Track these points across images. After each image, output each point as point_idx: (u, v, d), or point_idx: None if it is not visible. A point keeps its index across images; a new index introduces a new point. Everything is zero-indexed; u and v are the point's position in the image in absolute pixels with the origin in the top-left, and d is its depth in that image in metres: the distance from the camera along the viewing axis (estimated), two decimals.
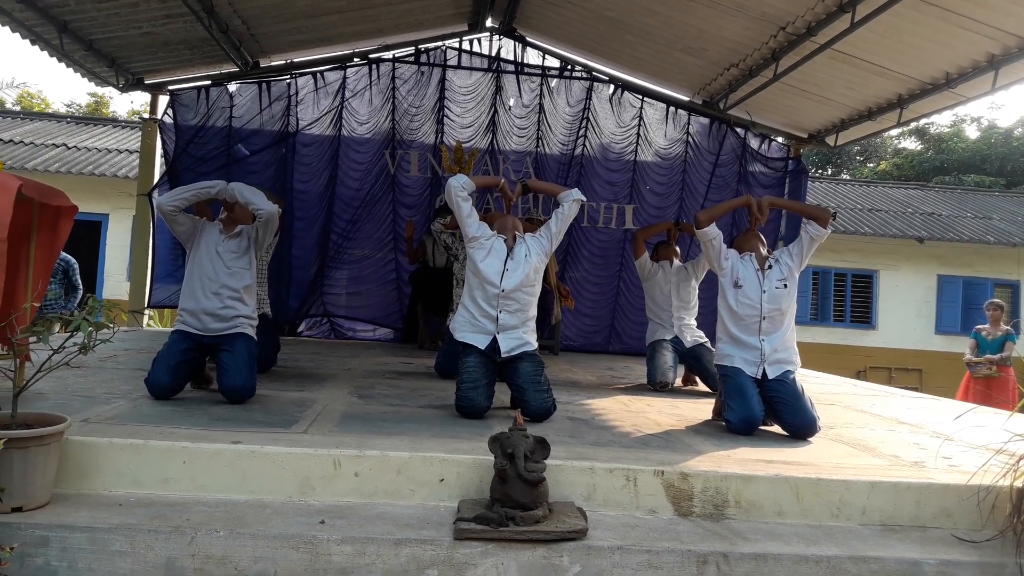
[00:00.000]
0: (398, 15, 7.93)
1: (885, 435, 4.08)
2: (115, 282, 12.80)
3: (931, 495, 2.91)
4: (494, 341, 3.92)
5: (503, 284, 3.92)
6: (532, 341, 4.02)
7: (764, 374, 3.94)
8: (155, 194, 8.00)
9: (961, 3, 5.48)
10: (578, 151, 8.69)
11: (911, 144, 28.25)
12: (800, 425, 3.79)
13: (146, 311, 8.12)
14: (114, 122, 17.75)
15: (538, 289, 4.09)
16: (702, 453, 3.22)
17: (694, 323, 5.73)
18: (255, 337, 4.02)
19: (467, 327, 3.99)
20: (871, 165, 29.05)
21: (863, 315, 15.31)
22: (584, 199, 4.22)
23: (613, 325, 8.72)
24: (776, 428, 3.95)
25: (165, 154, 8.08)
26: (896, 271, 15.31)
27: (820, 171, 26.37)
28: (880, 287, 15.35)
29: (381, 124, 8.52)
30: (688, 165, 8.77)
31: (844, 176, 26.66)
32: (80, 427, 2.86)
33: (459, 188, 4.03)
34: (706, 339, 5.62)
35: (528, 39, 8.71)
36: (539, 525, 2.49)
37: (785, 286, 4.02)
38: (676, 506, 2.82)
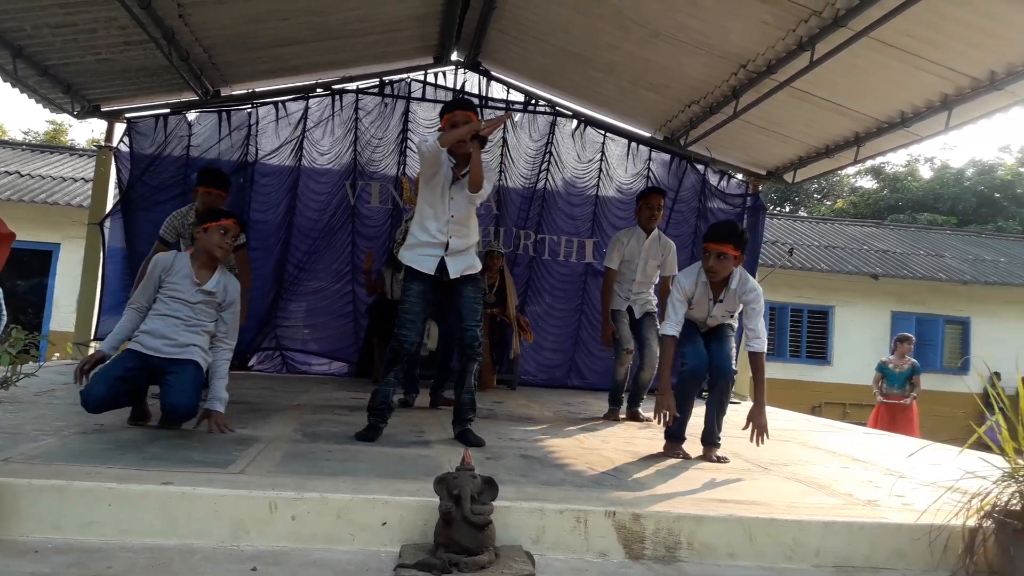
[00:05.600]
0: (363, 47, 7.90)
1: (839, 472, 4.05)
2: (65, 312, 12.45)
3: (885, 535, 2.86)
4: (442, 263, 4.06)
5: (451, 210, 4.07)
6: (476, 263, 4.24)
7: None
8: (107, 224, 7.82)
9: (916, 44, 5.58)
10: (540, 185, 8.70)
11: (867, 183, 28.94)
12: (720, 367, 4.21)
13: (92, 343, 7.88)
14: (71, 150, 17.46)
15: (475, 215, 4.25)
16: (655, 492, 3.15)
17: (650, 292, 5.97)
18: (204, 370, 3.92)
19: (416, 251, 4.11)
20: (828, 203, 29.67)
21: (819, 350, 15.49)
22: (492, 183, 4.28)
23: (574, 359, 8.64)
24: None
25: (119, 183, 7.90)
26: (852, 307, 15.54)
27: (778, 208, 26.86)
28: (836, 323, 15.57)
29: (343, 155, 8.45)
30: None
31: (802, 213, 27.15)
32: None
33: (430, 152, 4.03)
34: (656, 308, 5.91)
35: (493, 73, 8.73)
36: (484, 571, 2.39)
37: (731, 314, 4.30)
38: (627, 548, 2.74)
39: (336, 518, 2.61)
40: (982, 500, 2.73)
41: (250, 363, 8.14)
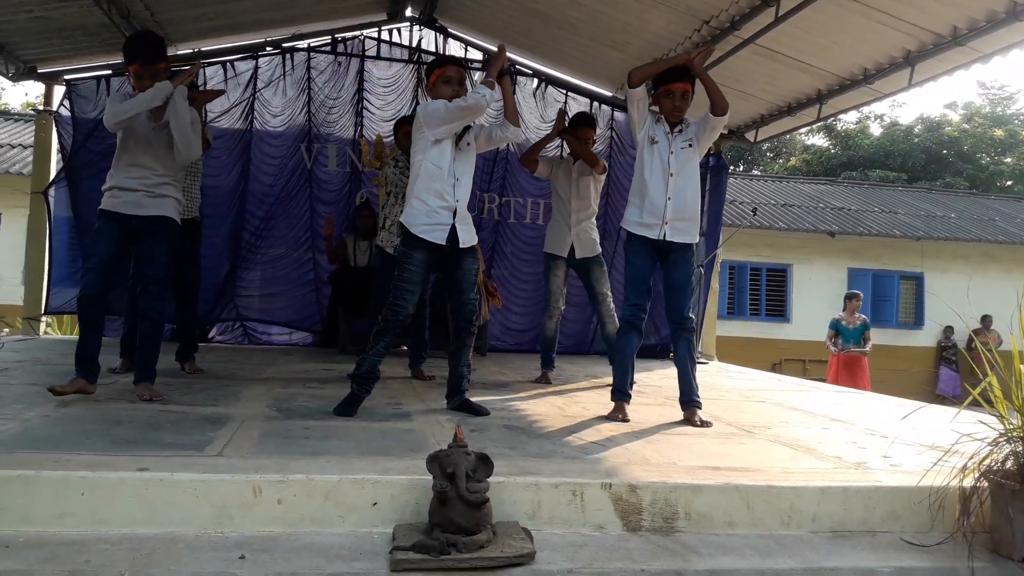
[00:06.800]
0: (313, 2, 7.59)
1: (821, 434, 4.05)
2: (10, 286, 11.95)
3: (879, 498, 2.84)
4: (453, 231, 3.94)
5: (456, 173, 3.98)
6: (475, 232, 4.18)
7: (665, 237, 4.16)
8: (51, 192, 7.45)
9: None
10: (503, 146, 8.50)
11: (819, 140, 29.23)
12: (677, 319, 4.25)
13: (43, 318, 7.55)
14: (5, 115, 16.66)
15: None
16: (648, 461, 3.09)
17: (593, 224, 5.76)
18: (178, 220, 4.18)
19: (425, 221, 3.93)
20: (781, 161, 29.95)
21: (778, 308, 15.68)
22: (491, 98, 3.97)
23: (543, 323, 8.52)
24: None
25: (62, 149, 7.53)
26: (809, 265, 15.73)
27: (733, 167, 26.98)
28: (794, 280, 15.76)
29: (296, 116, 8.15)
30: (612, 160, 8.69)
31: (755, 172, 27.37)
32: None
33: (489, 103, 3.93)
34: (599, 250, 5.75)
35: (450, 30, 8.48)
36: (483, 551, 2.30)
37: (690, 146, 4.21)
38: (625, 521, 2.67)
39: (324, 500, 2.49)
40: (979, 461, 2.72)
41: (210, 335, 7.89)
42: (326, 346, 7.85)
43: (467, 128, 4.09)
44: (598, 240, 5.80)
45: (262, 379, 5.11)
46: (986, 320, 13.79)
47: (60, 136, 7.50)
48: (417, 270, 3.92)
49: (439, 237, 3.92)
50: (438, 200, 3.92)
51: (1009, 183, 26.06)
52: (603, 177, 5.85)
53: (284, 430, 3.35)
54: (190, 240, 5.16)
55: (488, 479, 2.49)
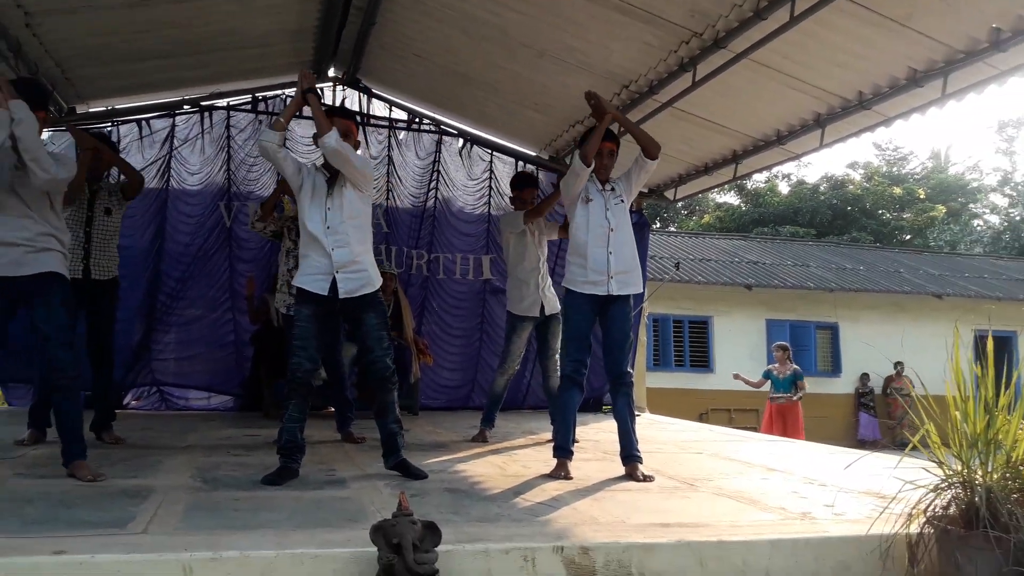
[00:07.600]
0: (233, 62, 7.44)
1: (762, 484, 4.05)
2: None
3: (828, 549, 2.84)
4: (333, 283, 3.83)
5: (328, 221, 3.86)
6: (374, 277, 3.99)
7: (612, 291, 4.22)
8: None
9: (791, 65, 5.76)
10: (430, 203, 8.48)
11: (731, 198, 30.33)
12: (616, 375, 4.25)
13: None
14: None
15: (367, 219, 4.05)
16: (596, 520, 3.01)
17: (549, 277, 5.80)
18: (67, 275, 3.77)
19: (306, 272, 3.90)
20: (695, 218, 30.91)
21: (701, 359, 15.97)
22: (339, 148, 3.82)
23: (476, 379, 8.41)
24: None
25: None
26: (729, 316, 16.12)
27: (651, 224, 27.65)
28: (715, 332, 16.10)
29: (215, 174, 7.94)
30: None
31: (672, 229, 28.13)
32: None
33: (268, 144, 3.84)
34: (559, 308, 5.56)
35: (374, 90, 8.47)
36: None
37: (623, 201, 4.39)
38: None
39: None
40: (923, 508, 2.75)
41: (125, 401, 7.47)
42: (249, 410, 7.53)
43: (339, 174, 3.94)
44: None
45: (183, 447, 4.83)
46: (898, 367, 14.42)
47: None
48: (305, 325, 3.84)
49: (320, 287, 3.85)
50: (313, 253, 3.89)
51: (908, 237, 27.54)
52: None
53: (211, 502, 3.14)
54: (108, 302, 4.89)
55: (436, 548, 2.37)
